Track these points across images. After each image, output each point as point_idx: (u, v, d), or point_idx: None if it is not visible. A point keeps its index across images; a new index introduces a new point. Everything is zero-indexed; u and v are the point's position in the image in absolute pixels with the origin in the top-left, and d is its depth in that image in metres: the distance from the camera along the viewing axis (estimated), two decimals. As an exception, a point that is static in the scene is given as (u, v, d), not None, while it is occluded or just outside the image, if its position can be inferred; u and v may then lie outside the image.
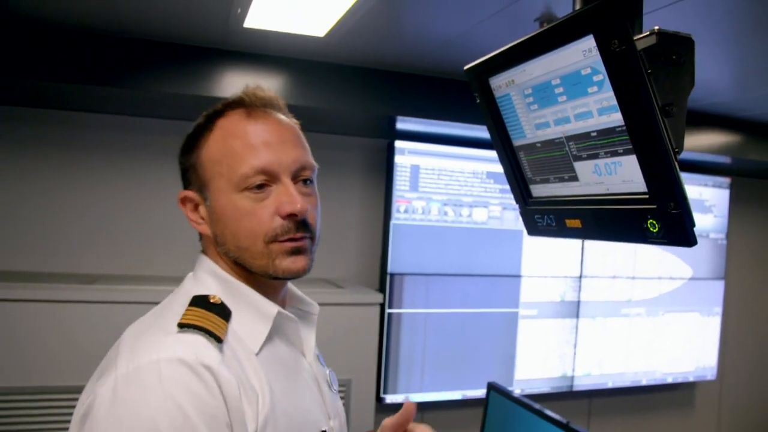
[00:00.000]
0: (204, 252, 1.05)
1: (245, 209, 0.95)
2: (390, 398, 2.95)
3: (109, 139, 2.70)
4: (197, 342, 0.86)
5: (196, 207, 1.02)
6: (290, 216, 0.95)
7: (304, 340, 1.06)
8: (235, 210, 0.96)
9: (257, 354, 0.95)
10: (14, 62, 2.17)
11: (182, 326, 0.88)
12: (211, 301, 0.95)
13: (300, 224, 0.97)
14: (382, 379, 2.92)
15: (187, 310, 0.92)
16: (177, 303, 0.96)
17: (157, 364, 0.82)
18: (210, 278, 1.01)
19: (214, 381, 0.83)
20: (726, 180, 3.66)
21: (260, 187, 0.95)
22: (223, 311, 0.95)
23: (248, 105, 1.01)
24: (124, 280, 2.52)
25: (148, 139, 2.72)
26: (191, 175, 1.01)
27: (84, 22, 2.16)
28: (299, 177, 0.99)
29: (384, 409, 2.99)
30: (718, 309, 3.70)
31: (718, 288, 3.70)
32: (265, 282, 1.01)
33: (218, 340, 0.88)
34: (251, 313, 0.98)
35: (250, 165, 0.95)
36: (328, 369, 1.15)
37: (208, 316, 0.91)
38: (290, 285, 1.12)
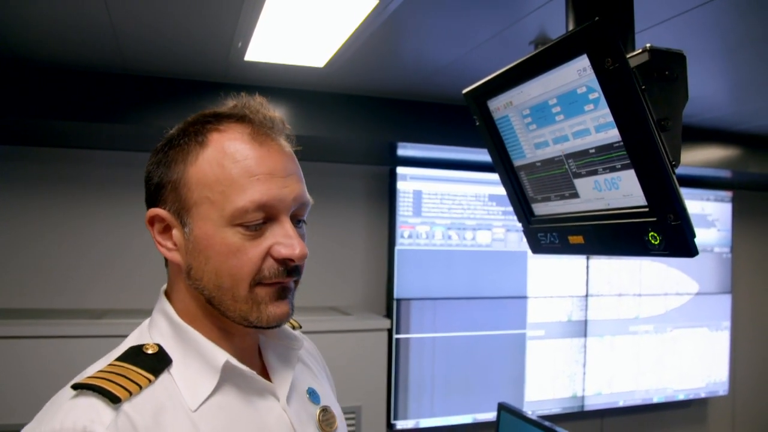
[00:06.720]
0: (168, 285, 0.93)
1: (234, 246, 0.82)
2: (401, 424, 2.94)
3: (112, 175, 2.74)
4: (88, 406, 0.76)
5: (166, 229, 0.87)
6: (285, 261, 0.84)
7: (276, 382, 0.92)
8: (222, 245, 0.82)
9: (195, 410, 0.82)
10: (18, 103, 2.21)
11: (76, 387, 0.78)
12: (147, 351, 0.84)
13: (293, 269, 0.85)
14: (393, 405, 2.91)
15: (108, 365, 0.82)
16: (111, 355, 0.86)
17: None
18: (163, 320, 0.89)
19: None
20: (728, 194, 3.68)
21: (256, 225, 0.83)
22: (156, 362, 0.83)
23: (252, 124, 0.87)
24: (131, 314, 2.52)
25: (152, 174, 2.74)
26: (167, 193, 0.86)
27: (87, 62, 2.21)
28: (296, 216, 0.88)
29: (395, 435, 2.98)
30: (727, 323, 3.69)
31: (725, 302, 3.69)
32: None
33: (115, 400, 0.76)
34: (198, 362, 0.85)
35: (250, 198, 0.81)
36: (319, 408, 0.97)
37: (125, 371, 0.80)
38: None
